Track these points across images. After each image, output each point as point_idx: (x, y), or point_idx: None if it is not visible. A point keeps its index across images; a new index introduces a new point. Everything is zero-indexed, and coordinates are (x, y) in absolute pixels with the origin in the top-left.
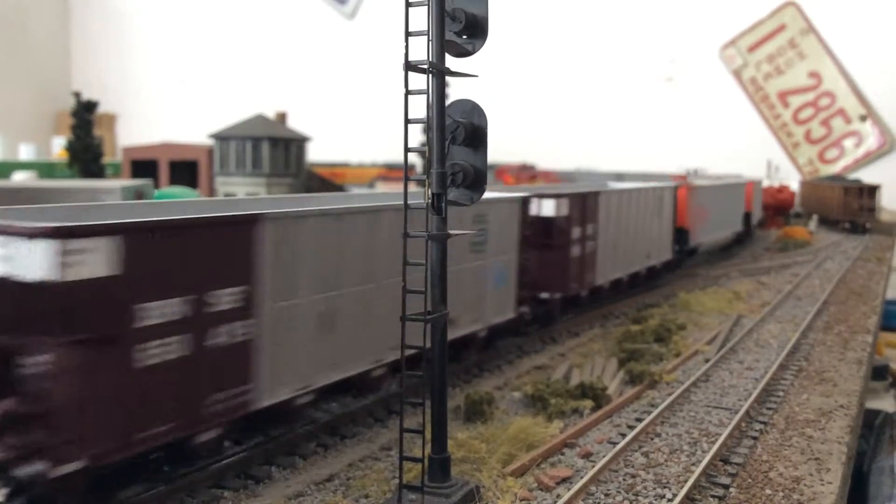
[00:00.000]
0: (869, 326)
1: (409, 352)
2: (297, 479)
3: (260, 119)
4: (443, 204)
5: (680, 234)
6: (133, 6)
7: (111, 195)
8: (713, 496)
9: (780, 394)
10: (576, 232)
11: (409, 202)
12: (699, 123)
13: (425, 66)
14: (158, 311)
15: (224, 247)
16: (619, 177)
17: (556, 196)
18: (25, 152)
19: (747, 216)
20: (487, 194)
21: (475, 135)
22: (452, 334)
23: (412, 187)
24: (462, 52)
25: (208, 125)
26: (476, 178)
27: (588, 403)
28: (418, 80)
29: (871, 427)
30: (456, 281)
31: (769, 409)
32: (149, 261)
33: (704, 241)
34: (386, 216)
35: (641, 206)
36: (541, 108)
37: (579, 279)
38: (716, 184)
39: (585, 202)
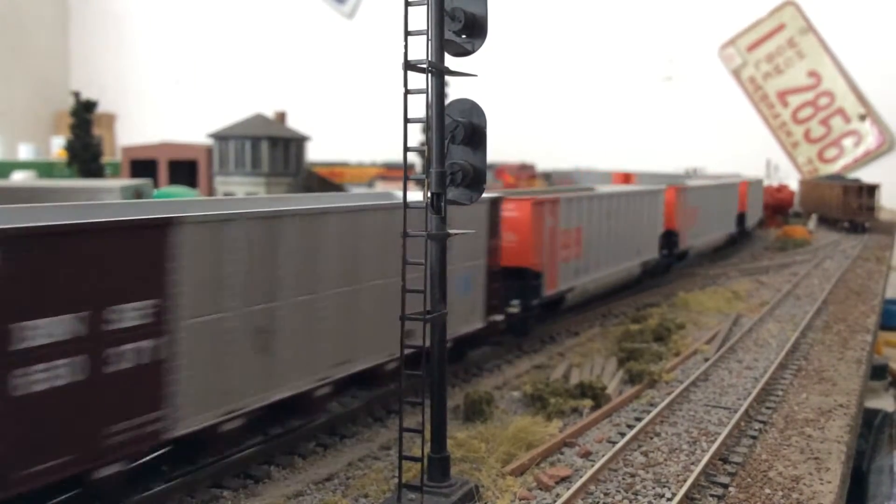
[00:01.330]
0: (868, 326)
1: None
2: (297, 478)
3: (259, 118)
4: (442, 203)
5: (525, 281)
6: (132, 6)
7: (110, 195)
8: (712, 495)
9: (780, 393)
10: (39, 331)
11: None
12: (698, 123)
13: (424, 66)
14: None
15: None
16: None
17: None
18: (24, 152)
19: (669, 236)
20: None
21: (474, 134)
22: None
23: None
24: (461, 52)
25: (207, 125)
26: (475, 178)
27: (587, 403)
28: (417, 80)
29: (870, 426)
30: None
31: (768, 408)
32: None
33: (583, 282)
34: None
35: (375, 238)
36: (540, 107)
37: (76, 444)
38: (602, 194)
39: (102, 252)
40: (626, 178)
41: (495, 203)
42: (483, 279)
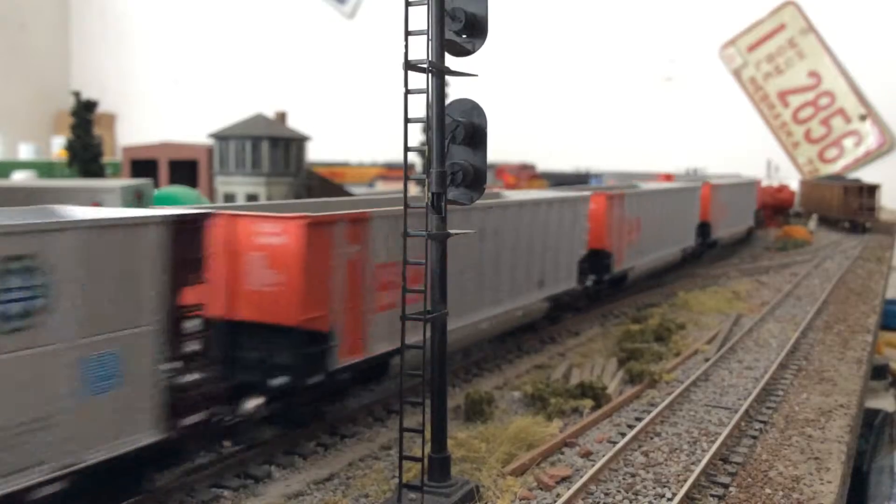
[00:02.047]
0: (869, 326)
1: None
2: (297, 478)
3: (260, 118)
4: (442, 203)
5: (297, 348)
6: (132, 6)
7: (111, 195)
8: (713, 495)
9: (780, 393)
10: None
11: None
12: (699, 123)
13: (425, 66)
14: None
15: None
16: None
17: None
18: (25, 152)
19: (598, 256)
20: None
21: (475, 134)
22: None
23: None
24: (462, 52)
25: (208, 125)
26: (476, 178)
27: (588, 403)
28: (418, 80)
29: (870, 426)
30: None
31: (769, 408)
32: None
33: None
34: None
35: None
36: (541, 108)
37: None
38: (466, 207)
39: None
40: (668, 179)
41: (191, 225)
42: (151, 358)
